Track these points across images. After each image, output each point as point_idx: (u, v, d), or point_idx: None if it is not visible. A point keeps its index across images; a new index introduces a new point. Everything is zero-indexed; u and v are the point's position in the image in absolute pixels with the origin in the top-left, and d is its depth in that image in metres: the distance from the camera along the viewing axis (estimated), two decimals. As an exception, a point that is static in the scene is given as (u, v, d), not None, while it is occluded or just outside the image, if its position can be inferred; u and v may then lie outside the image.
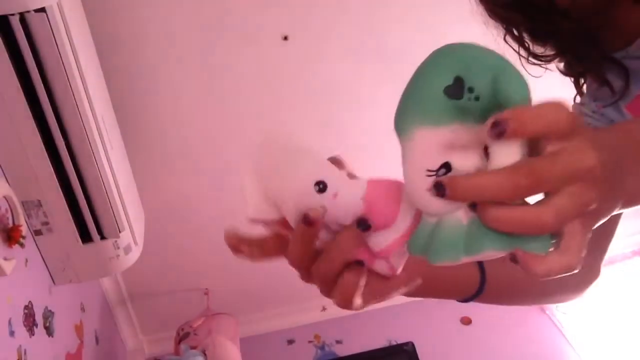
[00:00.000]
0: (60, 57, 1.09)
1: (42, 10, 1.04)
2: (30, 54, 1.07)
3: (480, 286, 0.59)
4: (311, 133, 1.84)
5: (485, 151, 0.35)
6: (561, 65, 0.70)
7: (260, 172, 0.46)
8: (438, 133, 0.36)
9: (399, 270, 0.42)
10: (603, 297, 2.18)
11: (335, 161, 0.43)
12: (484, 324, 2.27)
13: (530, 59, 0.68)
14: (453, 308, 2.31)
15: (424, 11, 1.65)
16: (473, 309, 2.31)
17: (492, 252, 0.34)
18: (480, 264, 0.59)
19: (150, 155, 1.77)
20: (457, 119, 0.35)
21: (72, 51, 1.12)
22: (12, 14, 1.02)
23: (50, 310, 1.39)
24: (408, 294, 0.51)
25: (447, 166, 0.35)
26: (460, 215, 0.35)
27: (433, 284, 0.54)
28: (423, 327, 2.25)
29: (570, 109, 0.34)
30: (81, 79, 1.15)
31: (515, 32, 0.67)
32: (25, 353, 1.21)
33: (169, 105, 1.68)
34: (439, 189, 0.33)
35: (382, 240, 0.41)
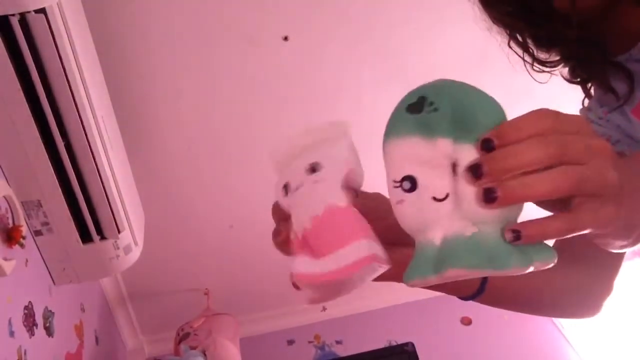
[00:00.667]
0: (60, 57, 1.09)
1: (42, 10, 1.04)
2: (30, 54, 1.07)
3: (480, 286, 0.58)
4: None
5: (454, 168, 0.35)
6: (565, 71, 0.70)
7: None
8: (400, 144, 0.36)
9: (308, 300, 0.42)
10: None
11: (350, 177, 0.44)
12: (484, 324, 2.26)
13: (534, 64, 0.68)
14: (453, 308, 2.31)
15: (424, 13, 1.65)
16: (473, 309, 2.31)
17: (457, 271, 0.34)
18: None
19: (150, 155, 1.77)
20: (418, 131, 0.36)
21: (72, 51, 1.12)
22: (13, 15, 1.02)
23: (50, 311, 1.39)
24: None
25: (411, 179, 0.36)
26: (433, 236, 0.36)
27: None
28: (423, 327, 2.25)
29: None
30: (81, 79, 1.15)
31: (519, 38, 0.67)
32: (25, 353, 1.21)
33: (170, 106, 1.68)
34: (489, 194, 0.33)
35: (302, 265, 0.41)
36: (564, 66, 0.68)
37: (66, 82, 1.12)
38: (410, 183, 0.36)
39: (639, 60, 0.62)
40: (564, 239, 0.58)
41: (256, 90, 1.70)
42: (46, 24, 1.05)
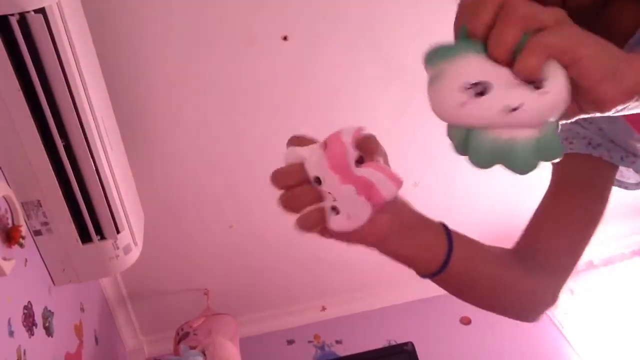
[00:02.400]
0: (60, 57, 1.09)
1: (42, 10, 1.04)
2: (30, 54, 1.07)
3: (443, 263, 0.59)
4: (311, 133, 1.83)
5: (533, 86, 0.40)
6: None
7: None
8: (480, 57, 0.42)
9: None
10: (603, 297, 2.18)
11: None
12: (484, 324, 2.26)
13: None
14: (453, 308, 2.31)
15: (423, 13, 1.65)
16: (473, 309, 2.30)
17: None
18: (450, 244, 0.59)
19: (149, 155, 1.77)
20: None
21: (72, 52, 1.12)
22: (12, 14, 1.02)
23: (49, 311, 1.39)
24: (372, 243, 0.54)
25: (484, 85, 0.41)
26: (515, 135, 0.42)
27: (401, 239, 0.55)
28: (422, 327, 2.25)
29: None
30: (81, 79, 1.15)
31: None
32: (24, 353, 1.21)
33: (169, 107, 1.68)
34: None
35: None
36: None
37: (65, 83, 1.12)
38: (483, 88, 0.41)
39: None
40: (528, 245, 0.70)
41: (256, 89, 1.70)
42: (45, 24, 1.05)
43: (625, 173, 0.75)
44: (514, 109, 0.40)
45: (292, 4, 1.57)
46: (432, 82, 0.43)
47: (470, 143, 0.43)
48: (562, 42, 0.40)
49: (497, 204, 2.23)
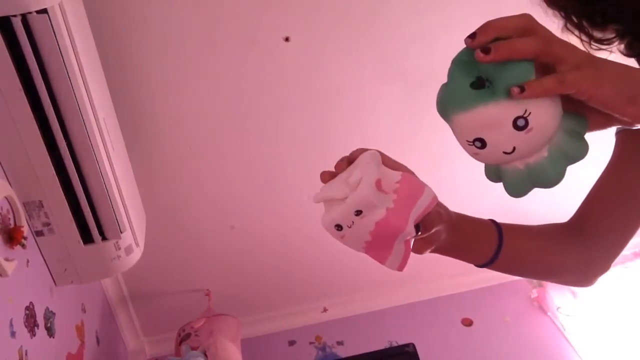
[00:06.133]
0: (62, 58, 1.09)
1: (44, 11, 1.04)
2: (32, 55, 1.07)
3: (495, 253, 0.68)
4: (312, 134, 1.84)
5: (515, 125, 0.47)
6: (622, 47, 0.71)
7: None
8: (469, 115, 0.49)
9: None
10: (604, 299, 2.17)
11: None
12: (485, 325, 2.26)
13: (592, 44, 0.70)
14: (454, 309, 2.31)
15: (425, 13, 1.64)
16: (474, 310, 2.30)
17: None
18: (500, 234, 0.68)
19: (151, 156, 1.77)
20: (480, 102, 0.48)
21: (74, 52, 1.12)
22: (14, 15, 1.03)
23: (51, 311, 1.39)
24: (435, 249, 0.65)
25: (481, 140, 0.49)
26: (515, 166, 0.52)
27: (458, 240, 0.66)
28: (424, 328, 2.24)
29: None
30: (83, 80, 1.15)
31: (575, 20, 0.69)
32: (26, 354, 1.21)
33: (171, 107, 1.68)
34: (486, 51, 0.47)
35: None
36: (619, 43, 0.70)
37: (68, 83, 1.12)
38: (481, 144, 0.49)
39: None
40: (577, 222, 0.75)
41: (257, 90, 1.70)
42: (48, 24, 1.05)
43: None
44: (510, 152, 0.49)
45: (293, 6, 1.57)
46: (452, 130, 0.52)
47: (503, 180, 0.54)
48: (582, 83, 0.45)
49: (499, 204, 2.22)
